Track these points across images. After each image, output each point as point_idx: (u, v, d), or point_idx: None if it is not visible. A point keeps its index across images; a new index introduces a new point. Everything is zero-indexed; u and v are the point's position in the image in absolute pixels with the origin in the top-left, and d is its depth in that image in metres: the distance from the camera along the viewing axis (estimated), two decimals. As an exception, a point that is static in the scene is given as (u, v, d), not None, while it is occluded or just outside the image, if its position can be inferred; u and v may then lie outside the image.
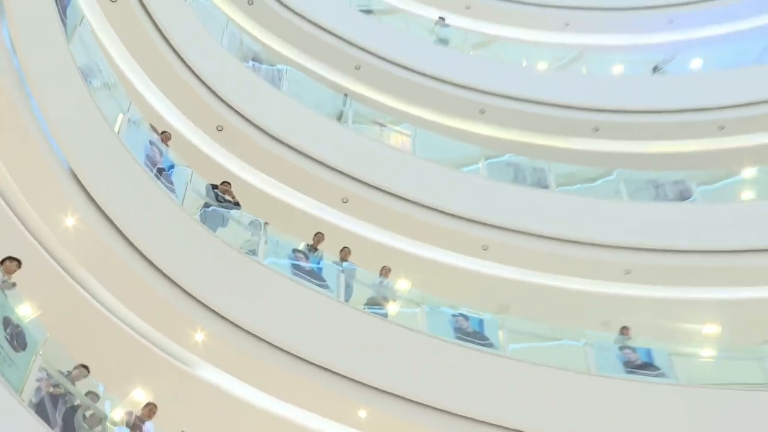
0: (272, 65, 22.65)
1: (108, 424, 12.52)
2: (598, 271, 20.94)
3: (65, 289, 14.32)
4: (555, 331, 19.54)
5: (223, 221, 17.28)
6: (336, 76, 24.43)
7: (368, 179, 20.75)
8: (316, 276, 17.32)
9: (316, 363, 15.69)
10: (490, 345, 17.78)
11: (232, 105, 20.13)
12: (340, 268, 17.98)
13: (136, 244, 14.58)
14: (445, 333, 17.53)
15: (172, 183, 16.66)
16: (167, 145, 17.49)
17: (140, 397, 14.30)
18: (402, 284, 19.73)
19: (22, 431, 10.09)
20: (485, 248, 20.83)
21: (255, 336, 15.52)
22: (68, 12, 14.67)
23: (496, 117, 24.86)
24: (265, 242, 17.61)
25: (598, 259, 20.79)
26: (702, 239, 20.70)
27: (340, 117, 22.34)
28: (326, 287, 17.26)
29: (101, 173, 14.36)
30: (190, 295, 15.17)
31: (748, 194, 22.57)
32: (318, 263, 17.70)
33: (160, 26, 19.08)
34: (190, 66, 19.58)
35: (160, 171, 16.48)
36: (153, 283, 14.84)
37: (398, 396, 15.97)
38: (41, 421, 10.47)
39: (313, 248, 18.12)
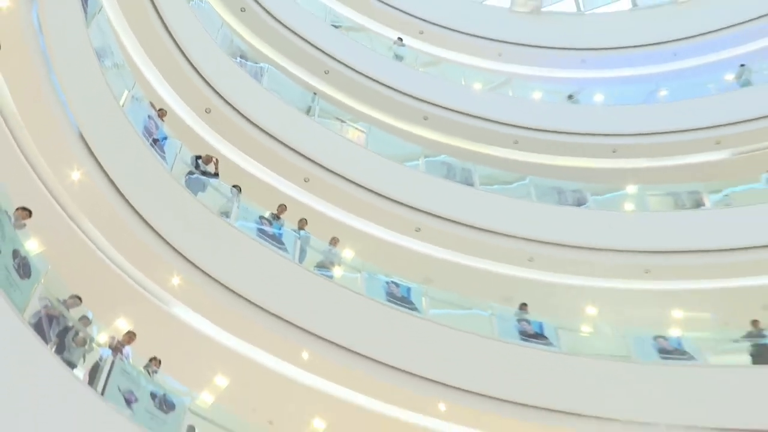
0: (256, 63, 22.48)
1: (94, 345, 12.31)
2: (507, 256, 21.01)
3: (67, 231, 14.20)
4: (468, 301, 19.61)
5: (203, 187, 17.10)
6: (308, 77, 24.24)
7: (327, 164, 20.63)
8: (276, 240, 17.26)
9: (271, 311, 15.70)
10: (415, 309, 17.85)
11: (219, 92, 19.90)
12: (298, 236, 17.91)
13: (129, 200, 14.41)
14: (378, 296, 17.58)
15: (164, 152, 16.49)
16: (163, 121, 17.25)
17: (123, 325, 14.13)
18: (347, 253, 19.67)
19: (22, 345, 9.92)
20: (418, 230, 20.81)
21: (222, 285, 15.41)
22: (89, 1, 14.54)
23: (436, 124, 24.80)
24: (237, 208, 17.49)
25: (507, 246, 20.85)
26: (590, 238, 20.87)
27: (308, 111, 22.18)
28: (284, 250, 17.22)
29: (105, 138, 14.12)
30: (170, 245, 15.05)
31: (629, 206, 22.66)
32: (279, 229, 17.62)
33: (166, 22, 18.81)
34: (188, 57, 19.36)
35: (155, 141, 16.28)
36: (141, 234, 14.69)
37: (336, 344, 15.98)
38: (39, 337, 10.34)
39: (276, 217, 18.02)
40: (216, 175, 17.91)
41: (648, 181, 23.61)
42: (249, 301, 15.59)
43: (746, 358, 17.79)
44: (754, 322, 18.26)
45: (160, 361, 13.44)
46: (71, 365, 11.24)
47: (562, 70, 28.55)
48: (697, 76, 26.77)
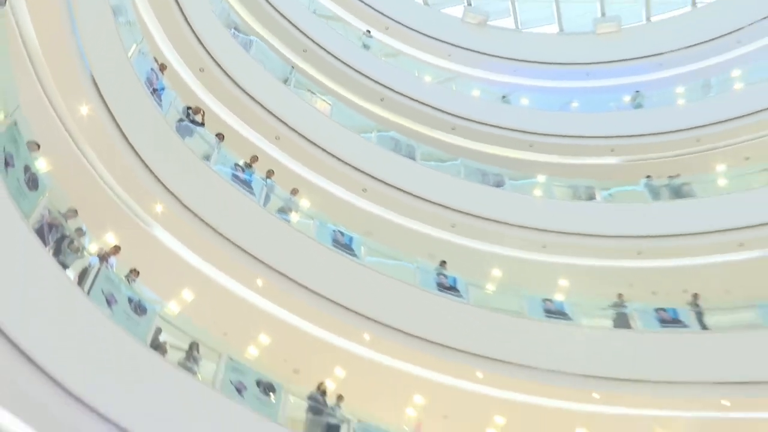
0: (246, 35, 22.12)
1: (85, 253, 12.17)
2: (434, 221, 21.08)
3: (72, 156, 13.86)
4: (398, 254, 19.71)
5: (191, 133, 16.89)
6: (288, 53, 23.95)
7: (296, 127, 20.44)
8: (247, 185, 17.18)
9: (236, 243, 15.79)
10: (355, 255, 17.94)
11: (213, 56, 19.57)
12: (265, 183, 17.83)
13: (127, 136, 14.12)
14: (326, 241, 17.64)
15: (161, 100, 16.17)
16: (162, 74, 16.93)
17: (111, 239, 13.98)
18: (304, 203, 19.63)
19: (26, 246, 9.88)
20: (364, 190, 20.77)
21: (197, 215, 15.33)
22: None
23: (390, 105, 24.69)
24: (217, 154, 17.32)
25: (435, 213, 20.98)
26: (503, 214, 21.04)
27: (285, 81, 21.90)
28: (252, 194, 17.15)
29: (112, 82, 13.80)
30: (158, 178, 14.84)
31: (538, 192, 22.92)
32: (250, 177, 17.50)
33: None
34: (191, 24, 18.99)
35: (155, 90, 15.94)
36: (133, 166, 14.47)
37: (286, 276, 16.10)
38: (40, 241, 10.27)
39: (249, 165, 17.89)
40: (202, 124, 17.69)
41: (555, 174, 23.87)
42: (218, 232, 15.53)
43: (609, 323, 18.45)
44: (619, 296, 19.08)
45: (138, 273, 13.36)
46: (64, 267, 11.12)
47: (499, 74, 28.53)
48: (602, 95, 27.02)
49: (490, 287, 20.27)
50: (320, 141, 20.58)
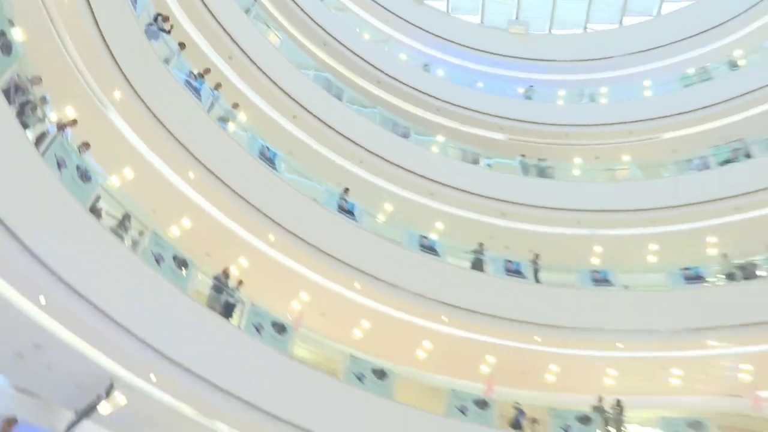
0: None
1: (46, 120, 11.58)
2: (345, 154, 21.06)
3: (48, 32, 13.04)
4: (312, 175, 19.74)
5: (156, 38, 16.01)
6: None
7: (248, 51, 19.79)
8: (196, 91, 16.58)
9: (177, 137, 15.38)
10: (275, 168, 17.84)
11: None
12: (211, 93, 17.30)
13: (100, 26, 13.53)
14: (254, 151, 17.55)
15: (136, 2, 15.31)
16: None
17: (70, 113, 13.28)
18: (241, 116, 18.95)
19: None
20: (294, 117, 20.54)
21: (147, 106, 14.81)
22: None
23: (330, 50, 24.36)
24: (176, 60, 16.63)
25: (346, 147, 20.96)
26: (400, 160, 21.24)
27: (247, 11, 20.92)
28: (199, 99, 16.53)
29: None
30: (120, 68, 14.16)
31: (435, 149, 23.16)
32: (200, 86, 16.80)
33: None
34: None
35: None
36: (101, 53, 13.81)
37: (215, 174, 16.07)
38: (5, 100, 9.77)
39: (201, 75, 17.09)
40: (168, 32, 16.81)
41: (452, 137, 24.07)
42: (164, 126, 15.04)
43: (468, 264, 18.98)
44: (480, 244, 19.51)
45: (89, 146, 12.76)
46: (25, 126, 10.57)
47: (424, 46, 28.23)
48: (502, 82, 27.21)
49: (381, 218, 20.45)
50: (265, 67, 20.00)
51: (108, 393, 11.41)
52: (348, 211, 18.45)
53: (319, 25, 24.09)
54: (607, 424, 15.16)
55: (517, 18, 29.57)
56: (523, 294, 18.20)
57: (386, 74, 24.62)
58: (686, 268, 18.54)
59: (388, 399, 14.51)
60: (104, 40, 13.61)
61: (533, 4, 29.56)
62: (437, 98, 24.82)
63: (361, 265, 17.31)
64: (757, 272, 18.06)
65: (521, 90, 26.47)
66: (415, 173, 21.06)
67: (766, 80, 22.26)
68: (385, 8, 28.06)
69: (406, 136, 22.50)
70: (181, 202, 15.98)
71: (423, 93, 24.78)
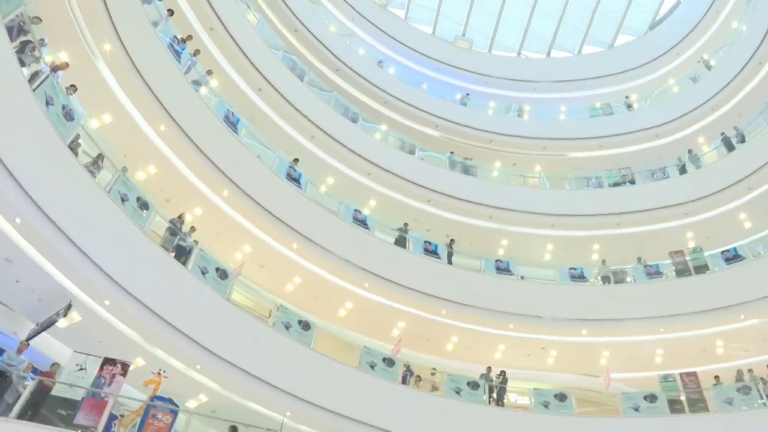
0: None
1: (41, 61, 11.25)
2: (300, 129, 20.92)
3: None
4: (268, 143, 19.69)
5: (150, 2, 15.67)
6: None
7: (227, 25, 19.39)
8: (177, 54, 16.25)
9: (154, 91, 15.00)
10: (236, 132, 17.65)
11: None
12: (190, 58, 16.99)
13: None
14: (220, 114, 17.37)
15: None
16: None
17: (64, 57, 12.87)
18: (213, 83, 18.67)
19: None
20: (260, 89, 20.27)
21: (133, 63, 14.43)
22: None
23: (299, 38, 24.02)
24: (164, 24, 16.26)
25: (302, 123, 20.82)
26: (349, 142, 21.25)
27: None
28: (179, 62, 16.24)
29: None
30: (114, 25, 13.83)
31: (378, 135, 23.27)
32: (182, 50, 16.58)
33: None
34: None
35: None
36: (98, 8, 13.45)
37: (182, 128, 15.77)
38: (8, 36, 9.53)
39: (183, 41, 16.82)
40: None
41: (394, 128, 24.32)
42: (144, 80, 14.70)
43: (392, 240, 19.31)
44: (405, 224, 19.94)
45: (76, 89, 12.45)
46: (22, 64, 10.29)
47: (380, 45, 28.14)
48: (443, 87, 27.65)
49: (323, 189, 20.52)
50: (241, 42, 19.67)
51: (66, 311, 11.32)
52: (295, 179, 18.50)
53: (293, 13, 23.74)
54: (491, 391, 15.92)
55: (464, 34, 30.01)
56: (436, 272, 18.72)
57: (345, 64, 24.53)
58: (573, 268, 19.62)
59: (309, 348, 14.74)
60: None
61: (479, 25, 30.07)
62: (386, 92, 24.92)
63: (300, 228, 17.43)
64: (627, 279, 19.35)
65: (458, 96, 26.99)
66: (357, 154, 21.17)
67: (652, 123, 23.74)
68: (352, 7, 27.90)
69: (354, 120, 22.58)
70: (150, 150, 15.66)
71: (374, 85, 24.83)
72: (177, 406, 10.87)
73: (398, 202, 21.27)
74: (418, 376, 15.99)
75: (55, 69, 11.30)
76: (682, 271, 18.65)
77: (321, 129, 20.99)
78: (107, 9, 13.46)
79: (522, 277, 19.51)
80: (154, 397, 10.39)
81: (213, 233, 16.85)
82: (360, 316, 18.75)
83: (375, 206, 21.26)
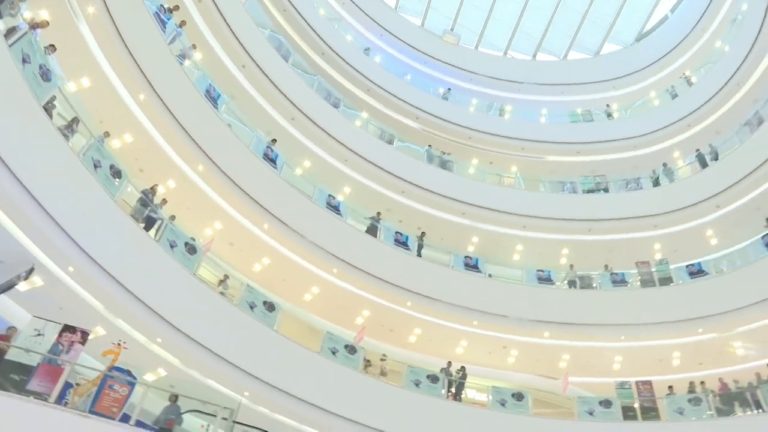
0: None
1: (19, 16, 10.97)
2: (281, 110, 20.85)
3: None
4: (247, 121, 19.64)
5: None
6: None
7: (219, 4, 19.30)
8: (162, 24, 16.00)
9: (136, 60, 14.81)
10: (216, 108, 17.45)
11: None
12: (175, 29, 16.75)
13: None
14: (201, 89, 17.13)
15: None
16: None
17: (44, 15, 12.56)
18: (197, 56, 18.44)
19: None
20: (243, 66, 20.08)
21: (117, 28, 14.22)
22: None
23: (288, 18, 23.84)
24: None
25: (284, 105, 20.73)
26: (328, 126, 21.22)
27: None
28: (164, 32, 15.92)
29: None
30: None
31: (359, 123, 23.18)
32: (168, 20, 16.34)
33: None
34: None
35: None
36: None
37: (161, 98, 15.57)
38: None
39: (170, 11, 16.62)
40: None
41: (374, 116, 24.42)
42: (126, 46, 14.49)
43: (364, 228, 19.33)
44: (378, 213, 20.03)
45: (55, 49, 12.14)
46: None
47: (369, 32, 28.13)
48: (426, 79, 27.77)
49: (299, 171, 20.54)
50: (228, 17, 19.44)
51: (28, 274, 11.16)
52: (272, 160, 18.44)
53: (293, 5, 23.61)
54: (450, 385, 16.08)
55: (452, 29, 30.09)
56: (405, 264, 18.85)
57: (331, 48, 24.45)
58: (540, 270, 19.90)
59: (272, 329, 14.72)
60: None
61: (468, 21, 30.15)
62: (370, 80, 24.93)
63: (273, 209, 17.42)
64: (593, 285, 19.69)
65: (441, 90, 27.10)
66: (336, 139, 21.17)
67: (630, 133, 24.16)
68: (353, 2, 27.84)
69: (336, 106, 22.55)
70: (128, 119, 15.41)
71: (359, 72, 24.81)
72: (135, 378, 10.81)
73: (373, 190, 21.33)
74: (368, 360, 16.02)
75: (34, 26, 11.06)
76: (647, 282, 19.05)
77: (302, 111, 20.91)
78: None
79: (490, 275, 19.73)
80: (112, 368, 10.31)
81: (185, 207, 16.74)
82: (326, 302, 18.82)
83: (349, 193, 21.32)
